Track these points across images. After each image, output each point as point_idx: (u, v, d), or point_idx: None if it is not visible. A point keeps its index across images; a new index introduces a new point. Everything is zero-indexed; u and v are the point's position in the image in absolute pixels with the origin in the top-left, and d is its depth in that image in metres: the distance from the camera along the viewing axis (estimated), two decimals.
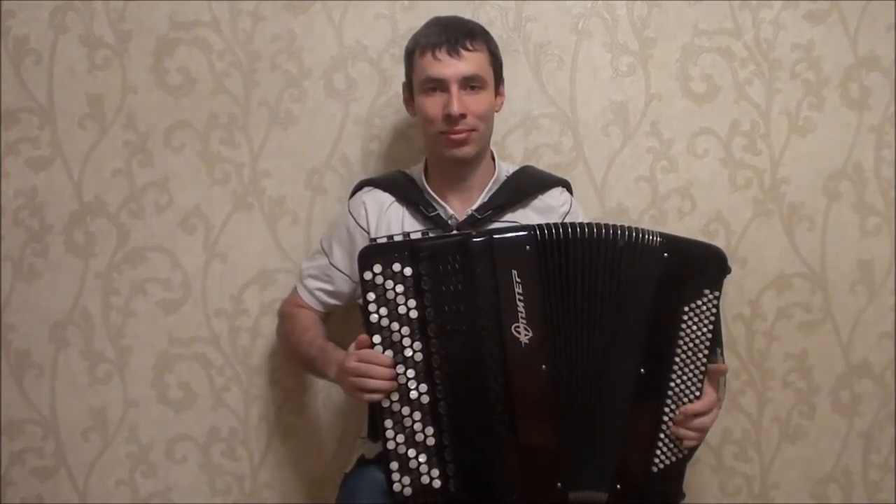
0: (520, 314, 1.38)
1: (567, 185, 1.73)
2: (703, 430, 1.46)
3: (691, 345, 1.45)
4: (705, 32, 1.90)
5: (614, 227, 1.43)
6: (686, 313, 1.45)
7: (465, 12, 1.78)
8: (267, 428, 1.92)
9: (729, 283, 1.92)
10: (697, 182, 1.93)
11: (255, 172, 1.87)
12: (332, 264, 1.68)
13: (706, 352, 1.46)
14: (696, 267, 1.47)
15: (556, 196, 1.69)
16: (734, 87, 1.92)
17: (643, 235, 1.44)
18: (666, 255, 1.44)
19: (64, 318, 1.87)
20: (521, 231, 1.43)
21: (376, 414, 1.43)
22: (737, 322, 1.95)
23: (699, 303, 1.45)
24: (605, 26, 1.89)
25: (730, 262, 1.50)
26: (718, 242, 1.91)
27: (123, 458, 1.90)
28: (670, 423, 1.45)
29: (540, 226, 1.42)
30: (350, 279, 1.67)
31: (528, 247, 1.40)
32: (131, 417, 1.89)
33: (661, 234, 1.45)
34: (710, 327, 1.46)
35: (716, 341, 1.47)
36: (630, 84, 1.90)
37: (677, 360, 1.45)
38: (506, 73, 1.69)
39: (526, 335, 1.39)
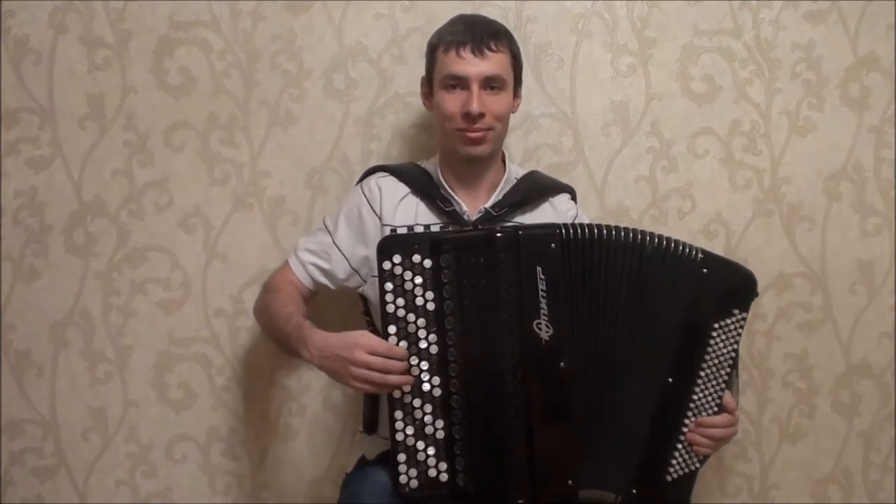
0: (542, 311, 1.38)
1: (573, 193, 1.75)
2: (715, 440, 1.47)
3: (717, 361, 1.46)
4: (705, 32, 1.90)
5: (643, 233, 1.44)
6: (716, 329, 1.46)
7: (465, 12, 1.77)
8: (267, 428, 1.91)
9: None
10: (697, 182, 1.93)
11: (255, 172, 1.87)
12: (334, 243, 1.64)
13: (728, 370, 1.47)
14: (730, 286, 1.48)
15: (564, 201, 1.71)
16: (734, 87, 1.92)
17: (682, 248, 1.45)
18: (705, 270, 1.45)
19: (64, 318, 1.87)
20: (547, 228, 1.43)
21: (385, 405, 1.43)
22: None
23: (728, 321, 1.46)
24: (605, 26, 1.89)
25: None
26: (718, 242, 1.91)
27: (123, 458, 1.90)
28: (688, 431, 1.46)
29: (566, 224, 1.43)
30: (348, 262, 1.63)
31: (553, 244, 1.40)
32: (131, 417, 1.89)
33: (702, 251, 1.46)
34: (735, 346, 1.47)
35: (735, 362, 1.48)
36: (630, 84, 1.90)
37: (702, 374, 1.46)
38: None
39: (547, 332, 1.39)
